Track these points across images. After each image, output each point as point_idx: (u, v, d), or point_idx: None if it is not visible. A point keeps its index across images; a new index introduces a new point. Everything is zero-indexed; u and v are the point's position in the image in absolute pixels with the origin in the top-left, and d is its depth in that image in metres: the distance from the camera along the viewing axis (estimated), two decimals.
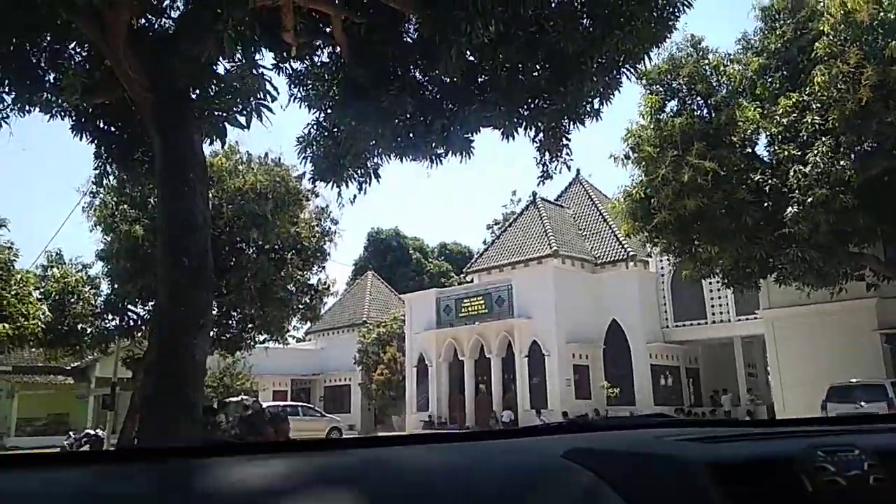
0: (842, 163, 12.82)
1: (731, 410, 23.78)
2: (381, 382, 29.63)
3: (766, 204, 14.41)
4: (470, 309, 27.59)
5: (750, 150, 15.36)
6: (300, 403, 28.03)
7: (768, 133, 14.90)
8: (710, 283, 25.18)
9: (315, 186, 18.06)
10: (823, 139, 13.32)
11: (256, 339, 22.18)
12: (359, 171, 9.51)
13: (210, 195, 18.18)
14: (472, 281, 30.88)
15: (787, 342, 19.85)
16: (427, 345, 28.42)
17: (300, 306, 21.12)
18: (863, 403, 13.36)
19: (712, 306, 25.38)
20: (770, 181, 14.38)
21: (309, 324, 21.42)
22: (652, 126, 15.38)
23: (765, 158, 15.41)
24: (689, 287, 25.77)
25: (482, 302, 27.32)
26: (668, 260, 20.06)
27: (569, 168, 9.24)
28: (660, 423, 1.48)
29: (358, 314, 37.46)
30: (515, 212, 37.60)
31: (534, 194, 32.34)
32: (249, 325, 21.75)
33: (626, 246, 28.90)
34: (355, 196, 9.73)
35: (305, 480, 0.87)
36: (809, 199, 12.97)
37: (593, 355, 25.76)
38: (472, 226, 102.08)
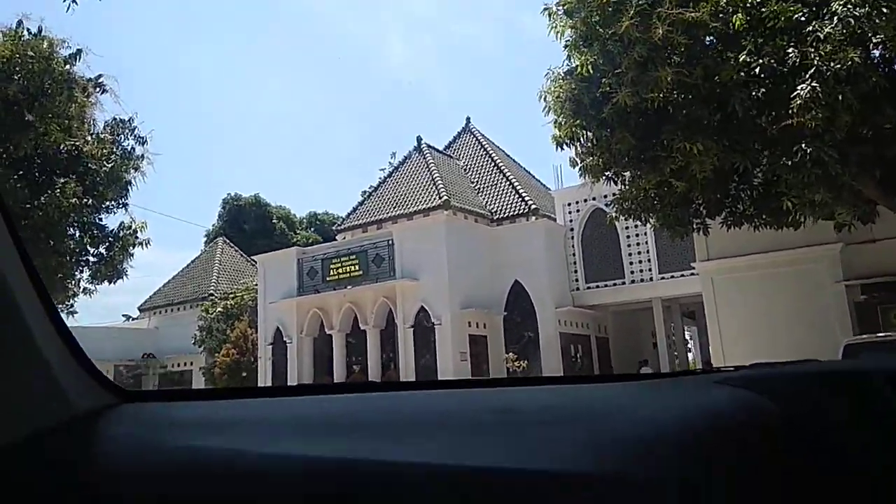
0: (884, 14, 8.68)
1: None
2: (226, 366, 23.42)
3: (753, 94, 10.14)
4: (341, 271, 22.05)
5: (723, 27, 11.06)
6: None
7: (748, 4, 10.59)
8: (630, 237, 21.37)
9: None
10: None
11: None
12: None
13: None
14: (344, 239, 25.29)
15: (730, 300, 16.14)
16: (286, 316, 22.59)
17: (90, 258, 14.73)
18: None
19: (631, 263, 21.48)
20: (761, 61, 10.06)
21: (108, 283, 15.01)
22: None
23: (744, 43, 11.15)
24: (603, 242, 21.83)
25: (356, 262, 21.86)
26: (605, 183, 15.25)
27: None
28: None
29: (204, 286, 30.81)
30: None
31: (419, 139, 27.27)
32: None
33: (527, 198, 24.57)
34: None
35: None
36: (836, 67, 8.76)
37: (492, 324, 21.11)
38: (348, 195, 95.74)
